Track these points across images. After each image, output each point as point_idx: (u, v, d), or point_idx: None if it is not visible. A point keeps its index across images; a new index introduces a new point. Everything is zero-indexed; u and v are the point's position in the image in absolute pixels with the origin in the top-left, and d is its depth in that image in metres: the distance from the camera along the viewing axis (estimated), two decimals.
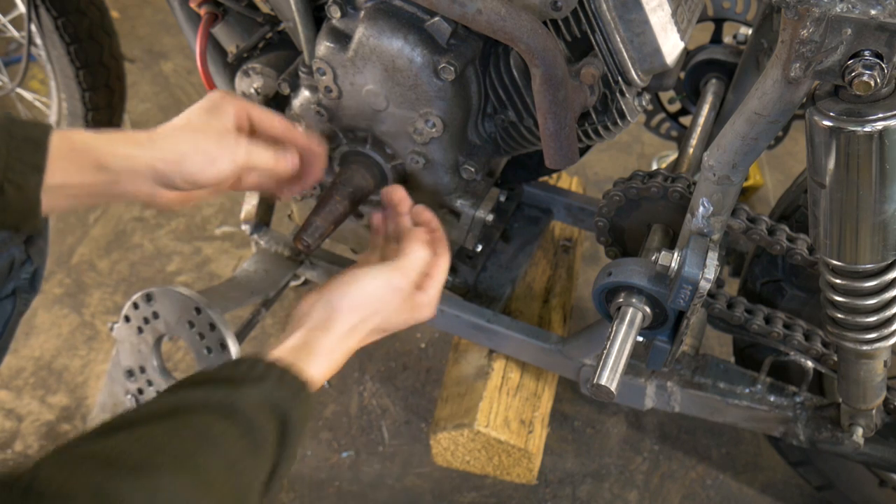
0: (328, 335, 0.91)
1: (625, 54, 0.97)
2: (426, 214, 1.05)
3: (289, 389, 0.81)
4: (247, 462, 0.74)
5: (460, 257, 1.36)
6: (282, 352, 0.88)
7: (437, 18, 0.98)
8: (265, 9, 1.21)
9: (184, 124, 0.92)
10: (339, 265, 1.41)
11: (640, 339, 1.01)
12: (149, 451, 0.68)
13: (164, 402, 0.76)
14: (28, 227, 0.86)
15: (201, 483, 0.69)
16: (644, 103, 1.06)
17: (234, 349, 1.21)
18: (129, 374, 1.31)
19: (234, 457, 0.73)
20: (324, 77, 1.07)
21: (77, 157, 0.86)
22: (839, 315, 0.93)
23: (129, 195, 0.90)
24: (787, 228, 1.07)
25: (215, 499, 0.70)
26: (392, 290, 0.95)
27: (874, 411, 1.11)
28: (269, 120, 0.99)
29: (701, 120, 1.32)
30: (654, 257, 0.95)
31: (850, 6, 0.64)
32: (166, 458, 0.68)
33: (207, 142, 0.91)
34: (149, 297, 1.24)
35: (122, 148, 0.88)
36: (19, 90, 1.89)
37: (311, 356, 0.88)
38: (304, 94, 1.14)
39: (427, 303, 0.99)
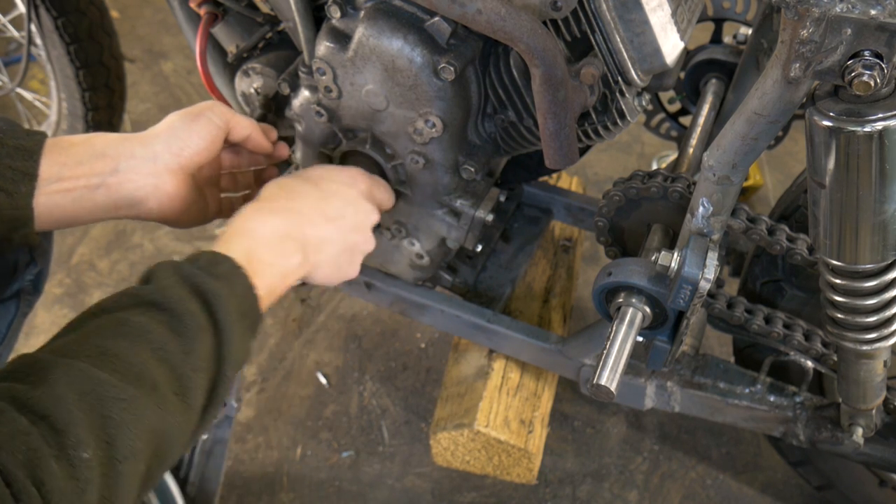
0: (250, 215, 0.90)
1: (625, 54, 0.97)
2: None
3: (203, 265, 0.79)
4: (174, 344, 0.72)
5: (460, 257, 1.36)
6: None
7: (436, 18, 0.98)
8: (265, 9, 1.21)
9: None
10: None
11: (640, 339, 1.01)
12: (60, 356, 0.67)
13: (88, 310, 0.75)
14: (20, 238, 0.85)
15: (127, 372, 0.68)
16: (644, 103, 1.06)
17: None
18: None
19: (158, 341, 0.71)
20: (324, 77, 1.07)
21: (75, 151, 0.86)
22: (839, 315, 0.93)
23: (133, 190, 0.89)
24: (787, 228, 1.07)
25: (147, 384, 0.68)
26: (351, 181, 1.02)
27: (874, 411, 1.11)
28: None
29: (701, 120, 1.32)
30: (654, 257, 0.95)
31: (850, 6, 0.64)
32: (81, 357, 0.67)
33: (190, 109, 0.96)
34: None
35: (115, 136, 0.90)
36: (19, 90, 1.89)
37: (235, 236, 0.86)
38: (304, 94, 1.14)
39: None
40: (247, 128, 1.00)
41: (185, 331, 0.73)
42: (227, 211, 1.07)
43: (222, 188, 1.06)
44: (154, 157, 0.90)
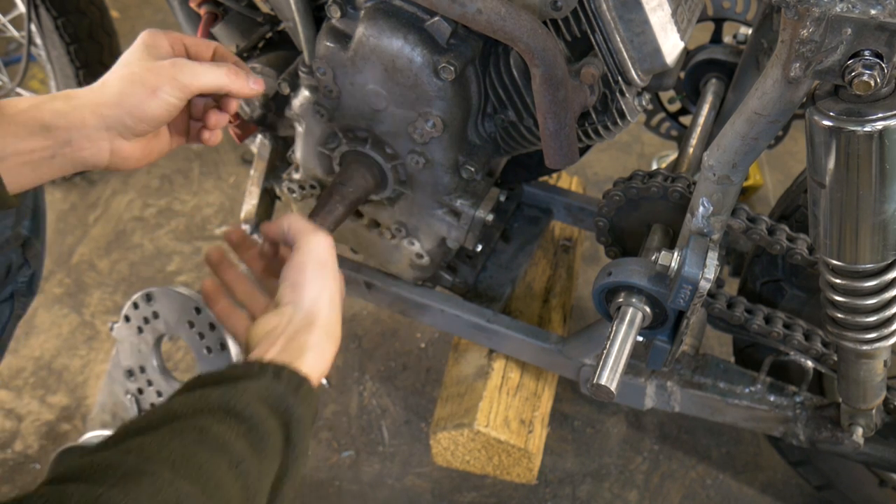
0: (312, 332, 0.86)
1: (625, 54, 0.97)
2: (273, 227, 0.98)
3: (287, 384, 0.78)
4: (252, 461, 0.70)
5: (460, 257, 1.36)
6: (271, 355, 0.84)
7: (437, 18, 0.98)
8: (265, 9, 1.21)
9: (121, 67, 0.89)
10: (339, 265, 1.40)
11: (640, 338, 1.01)
12: (142, 459, 0.63)
13: (157, 411, 0.72)
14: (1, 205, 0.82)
15: (206, 484, 0.64)
16: (644, 103, 1.06)
17: (234, 349, 1.21)
18: (129, 373, 1.31)
19: (237, 456, 0.69)
20: (324, 77, 1.07)
21: (23, 119, 0.83)
22: (839, 315, 0.93)
23: (88, 157, 0.87)
24: (787, 228, 1.07)
25: (223, 500, 0.65)
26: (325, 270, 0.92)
27: (874, 411, 1.11)
28: (205, 48, 0.96)
29: (701, 120, 1.32)
30: (654, 257, 0.94)
31: (850, 6, 0.64)
32: (163, 463, 0.63)
33: (147, 74, 0.88)
34: (149, 297, 1.24)
35: (62, 104, 0.85)
36: (19, 90, 1.89)
37: (303, 352, 0.84)
38: (304, 93, 1.14)
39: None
40: (216, 81, 0.91)
41: (264, 448, 0.71)
42: (194, 137, 1.01)
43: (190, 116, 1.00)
44: (106, 127, 0.86)
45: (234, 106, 1.00)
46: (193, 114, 0.99)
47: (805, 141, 0.77)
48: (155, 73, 0.88)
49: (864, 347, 0.94)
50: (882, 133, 0.70)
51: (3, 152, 0.81)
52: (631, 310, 0.98)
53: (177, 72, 0.88)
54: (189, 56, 0.94)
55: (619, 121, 1.04)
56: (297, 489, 0.77)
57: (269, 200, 1.43)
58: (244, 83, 0.95)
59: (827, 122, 0.71)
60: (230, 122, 1.23)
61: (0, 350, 1.05)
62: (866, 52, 0.66)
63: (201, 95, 0.95)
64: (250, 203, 1.42)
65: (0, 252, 0.94)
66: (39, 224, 1.05)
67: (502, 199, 1.22)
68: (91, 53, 1.73)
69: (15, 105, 0.84)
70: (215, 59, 0.97)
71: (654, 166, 2.08)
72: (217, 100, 0.99)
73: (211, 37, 1.24)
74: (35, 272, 1.04)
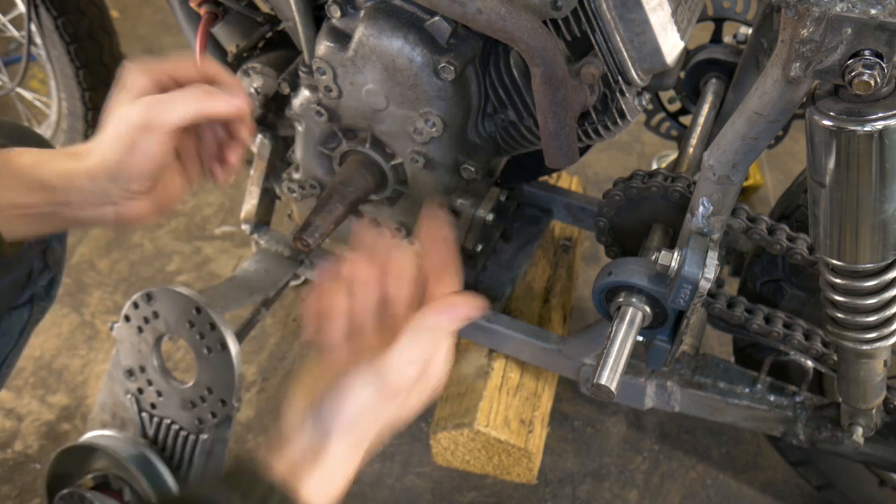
0: (324, 463, 0.72)
1: (625, 54, 0.97)
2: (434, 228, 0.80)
3: None
4: None
5: (460, 257, 1.36)
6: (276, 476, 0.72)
7: (436, 18, 0.98)
8: (265, 8, 1.21)
9: (107, 122, 0.81)
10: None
11: (640, 338, 1.01)
12: None
13: None
14: None
15: None
16: (644, 103, 1.06)
17: (234, 349, 1.21)
18: (129, 373, 1.31)
19: None
20: (324, 76, 1.07)
21: (20, 177, 0.79)
22: (839, 315, 0.93)
23: (90, 218, 0.83)
24: (787, 228, 1.07)
25: None
26: (385, 398, 0.74)
27: (874, 411, 1.11)
28: (190, 71, 0.84)
29: (701, 119, 1.32)
30: (654, 257, 0.94)
31: (849, 5, 0.64)
32: None
33: (120, 128, 0.79)
34: (149, 297, 1.24)
35: (60, 164, 0.80)
36: (19, 90, 1.89)
37: (306, 483, 0.71)
38: (304, 93, 1.14)
39: (432, 384, 0.77)
40: (189, 109, 0.80)
41: None
42: (208, 171, 0.91)
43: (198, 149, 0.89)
44: (104, 191, 0.81)
45: (243, 133, 0.88)
46: (206, 148, 0.89)
47: (805, 141, 0.77)
48: (125, 123, 0.79)
49: (864, 347, 0.94)
50: (882, 133, 0.70)
51: (3, 205, 0.78)
52: (631, 309, 0.98)
53: (147, 115, 0.79)
54: (177, 84, 0.84)
55: (619, 120, 1.04)
56: None
57: (269, 200, 1.43)
58: (222, 102, 0.82)
59: (827, 122, 0.71)
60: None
61: (16, 355, 1.04)
62: (866, 52, 0.66)
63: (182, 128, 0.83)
64: (250, 203, 1.42)
65: (22, 257, 0.93)
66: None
67: (502, 198, 1.22)
68: (91, 53, 1.73)
69: (18, 159, 0.81)
70: (203, 77, 0.85)
71: (654, 166, 2.08)
72: (227, 129, 0.88)
73: (211, 37, 1.24)
74: (55, 277, 1.04)
